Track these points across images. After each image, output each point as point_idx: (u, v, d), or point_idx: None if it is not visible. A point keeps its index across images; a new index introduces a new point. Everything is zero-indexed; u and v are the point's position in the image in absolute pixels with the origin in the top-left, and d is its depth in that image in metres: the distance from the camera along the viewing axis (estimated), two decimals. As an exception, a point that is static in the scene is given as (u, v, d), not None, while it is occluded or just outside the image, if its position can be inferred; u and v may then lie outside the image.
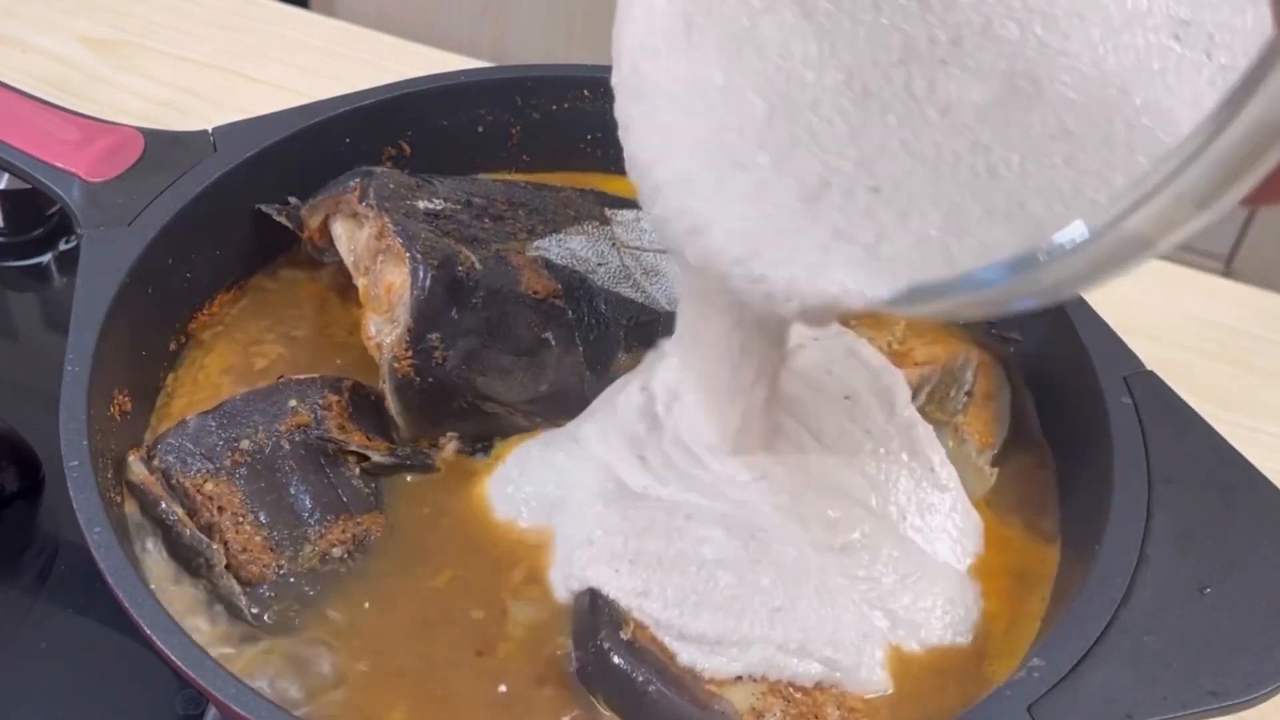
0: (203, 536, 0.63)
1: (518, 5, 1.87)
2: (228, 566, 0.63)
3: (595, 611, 0.60)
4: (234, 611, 0.62)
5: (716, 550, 0.61)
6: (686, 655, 0.59)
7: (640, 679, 0.58)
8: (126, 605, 0.56)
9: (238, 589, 0.62)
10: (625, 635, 0.59)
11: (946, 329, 0.75)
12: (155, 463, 0.65)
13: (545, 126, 0.84)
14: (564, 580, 0.63)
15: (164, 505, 0.63)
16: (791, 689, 0.59)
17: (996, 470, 0.69)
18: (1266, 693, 0.56)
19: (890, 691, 0.60)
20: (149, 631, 0.55)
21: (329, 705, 0.59)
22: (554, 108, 0.83)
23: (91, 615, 0.69)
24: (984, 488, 0.69)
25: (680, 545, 0.62)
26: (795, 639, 0.59)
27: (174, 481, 0.64)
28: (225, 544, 0.63)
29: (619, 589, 0.60)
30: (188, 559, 0.63)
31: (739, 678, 0.59)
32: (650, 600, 0.60)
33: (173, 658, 0.54)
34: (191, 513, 0.63)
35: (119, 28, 1.09)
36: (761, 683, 0.59)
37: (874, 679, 0.60)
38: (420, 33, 1.14)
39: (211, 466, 0.65)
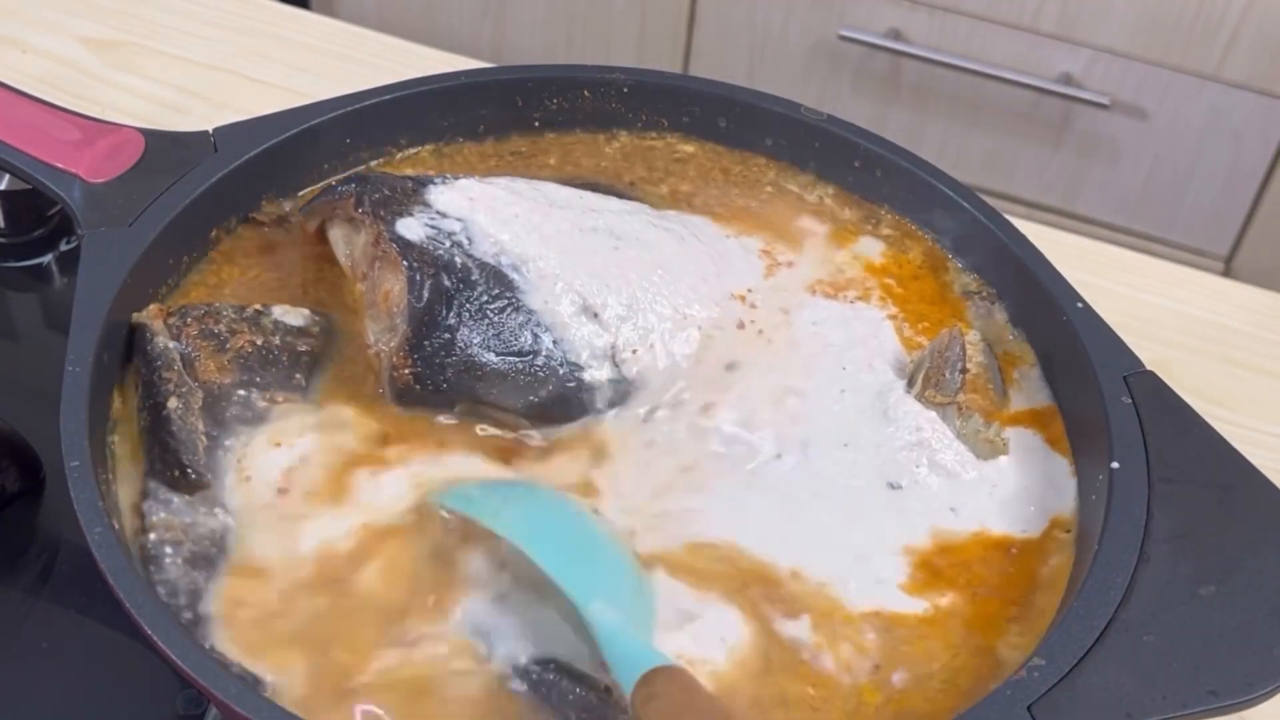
0: (188, 378, 0.66)
1: (518, 5, 1.87)
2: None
3: None
4: (178, 467, 0.63)
5: None
6: None
7: None
8: (127, 605, 0.56)
9: (200, 429, 0.64)
10: None
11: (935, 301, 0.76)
12: (172, 320, 0.68)
13: (545, 127, 0.84)
14: None
15: (163, 341, 0.66)
16: None
17: (1009, 439, 0.69)
18: (1266, 693, 0.56)
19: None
20: (150, 632, 0.55)
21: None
22: (554, 108, 0.83)
23: (92, 615, 0.69)
24: (998, 457, 0.68)
25: None
26: None
27: (182, 337, 0.67)
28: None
29: None
30: (155, 403, 0.65)
31: None
32: None
33: (174, 658, 0.54)
34: (187, 364, 0.66)
35: (119, 28, 1.09)
36: None
37: None
38: (420, 33, 1.15)
39: (218, 344, 0.67)
